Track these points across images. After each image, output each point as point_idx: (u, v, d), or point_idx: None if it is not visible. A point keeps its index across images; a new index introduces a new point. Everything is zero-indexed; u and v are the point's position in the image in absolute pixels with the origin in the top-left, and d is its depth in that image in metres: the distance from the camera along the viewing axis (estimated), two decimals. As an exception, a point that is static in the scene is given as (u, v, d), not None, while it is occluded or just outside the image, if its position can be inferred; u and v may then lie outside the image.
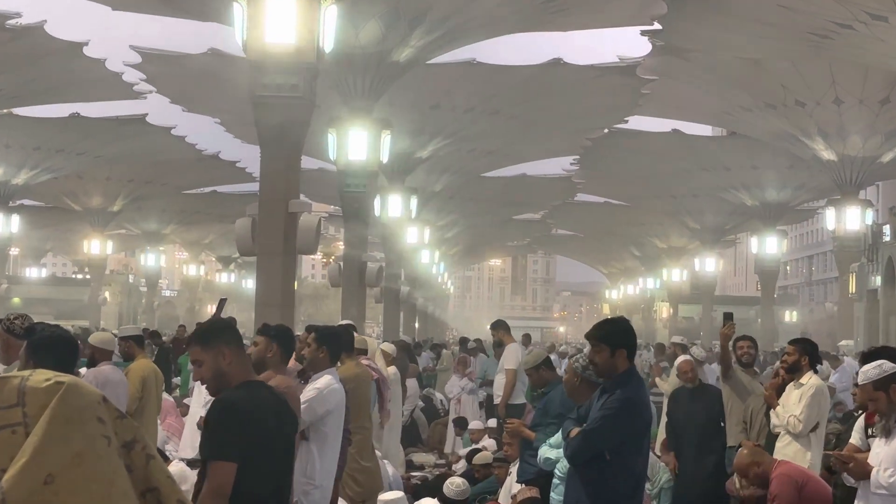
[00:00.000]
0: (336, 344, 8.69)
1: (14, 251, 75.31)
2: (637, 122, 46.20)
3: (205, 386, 5.39)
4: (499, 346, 18.10)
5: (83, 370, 11.42)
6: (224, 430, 4.88)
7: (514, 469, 10.39)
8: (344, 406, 8.49)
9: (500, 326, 17.42)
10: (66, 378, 3.55)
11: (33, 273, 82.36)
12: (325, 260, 75.08)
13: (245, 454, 4.84)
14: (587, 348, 7.42)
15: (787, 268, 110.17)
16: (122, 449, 3.56)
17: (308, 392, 8.15)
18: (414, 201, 39.24)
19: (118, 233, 75.21)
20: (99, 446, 3.43)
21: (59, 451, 3.39)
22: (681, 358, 13.81)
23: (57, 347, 5.50)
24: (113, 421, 3.51)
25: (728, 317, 11.42)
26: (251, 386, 5.14)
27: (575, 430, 6.73)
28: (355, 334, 11.87)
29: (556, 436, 7.76)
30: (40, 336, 5.70)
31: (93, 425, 3.47)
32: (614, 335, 6.75)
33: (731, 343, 11.83)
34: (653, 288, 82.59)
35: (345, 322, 14.96)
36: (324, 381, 8.31)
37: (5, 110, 45.57)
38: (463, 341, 31.41)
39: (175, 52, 37.94)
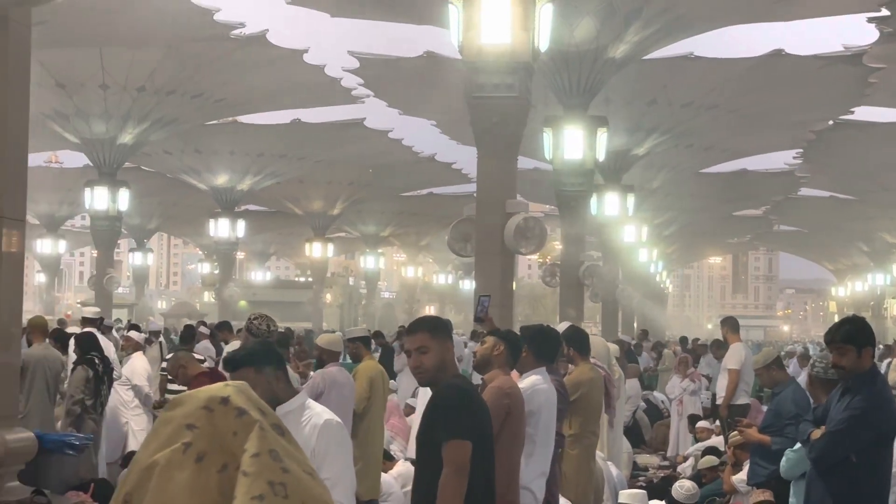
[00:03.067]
0: (540, 343, 8.49)
1: (240, 255, 77.97)
2: (864, 113, 44.63)
3: (419, 374, 5.44)
4: (719, 346, 17.75)
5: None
6: (459, 412, 5.08)
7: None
8: (553, 408, 8.28)
9: (727, 323, 17.09)
10: (183, 394, 3.57)
11: (258, 276, 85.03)
12: (541, 260, 75.02)
13: (475, 437, 5.01)
14: (820, 351, 7.18)
15: None
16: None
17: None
18: (631, 199, 38.87)
19: (338, 236, 76.94)
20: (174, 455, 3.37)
21: (141, 454, 3.42)
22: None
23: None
24: (231, 421, 3.41)
25: None
26: (464, 378, 5.37)
27: (817, 432, 6.51)
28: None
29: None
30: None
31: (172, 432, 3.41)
32: (859, 334, 6.55)
33: None
34: (883, 284, 79.69)
35: (552, 324, 14.85)
36: (529, 381, 8.17)
37: (230, 118, 47.24)
38: (683, 340, 30.93)
39: (391, 56, 38.57)
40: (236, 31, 34.60)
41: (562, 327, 12.44)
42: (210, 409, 3.38)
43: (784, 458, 7.76)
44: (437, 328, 5.38)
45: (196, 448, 3.32)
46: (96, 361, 13.04)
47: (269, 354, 5.33)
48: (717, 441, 16.03)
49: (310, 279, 74.86)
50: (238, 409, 3.39)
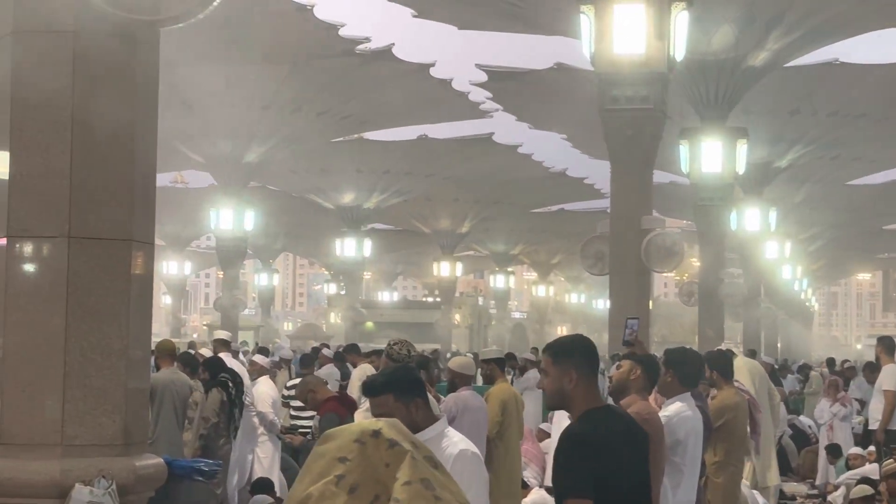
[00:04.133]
0: (685, 367, 8.33)
1: (366, 275, 78.63)
2: None
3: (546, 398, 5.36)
4: (871, 368, 17.35)
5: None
6: (576, 465, 4.83)
7: None
8: (700, 436, 8.16)
9: (882, 343, 16.71)
10: (335, 428, 3.60)
11: (385, 297, 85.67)
12: (678, 278, 74.23)
13: (599, 488, 4.80)
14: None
15: None
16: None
17: (656, 420, 7.96)
18: (773, 214, 38.38)
19: (467, 254, 77.16)
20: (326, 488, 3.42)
21: (296, 488, 3.47)
22: None
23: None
24: (383, 452, 3.45)
25: None
26: (598, 413, 5.06)
27: None
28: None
29: None
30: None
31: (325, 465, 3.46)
32: None
33: None
34: None
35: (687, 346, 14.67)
36: (674, 408, 8.05)
37: (356, 135, 47.74)
38: (830, 362, 30.31)
39: (520, 68, 38.62)
40: (362, 46, 35.01)
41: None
42: (362, 442, 3.45)
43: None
44: (560, 353, 5.18)
45: (349, 480, 3.41)
46: (230, 384, 13.25)
47: (409, 380, 5.32)
48: (870, 469, 15.63)
49: (438, 299, 75.15)
50: (390, 441, 3.46)
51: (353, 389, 15.58)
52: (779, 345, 54.68)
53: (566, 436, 4.93)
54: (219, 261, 45.19)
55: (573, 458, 4.85)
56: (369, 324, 63.72)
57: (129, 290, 6.70)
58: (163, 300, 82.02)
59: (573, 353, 5.16)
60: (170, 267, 67.48)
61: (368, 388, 5.36)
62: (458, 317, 73.32)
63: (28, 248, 6.64)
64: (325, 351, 22.48)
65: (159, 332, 64.76)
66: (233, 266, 42.52)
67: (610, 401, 8.36)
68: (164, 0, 6.20)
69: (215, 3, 6.21)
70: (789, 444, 21.23)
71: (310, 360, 18.36)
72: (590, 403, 5.09)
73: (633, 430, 5.14)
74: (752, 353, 25.19)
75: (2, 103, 6.86)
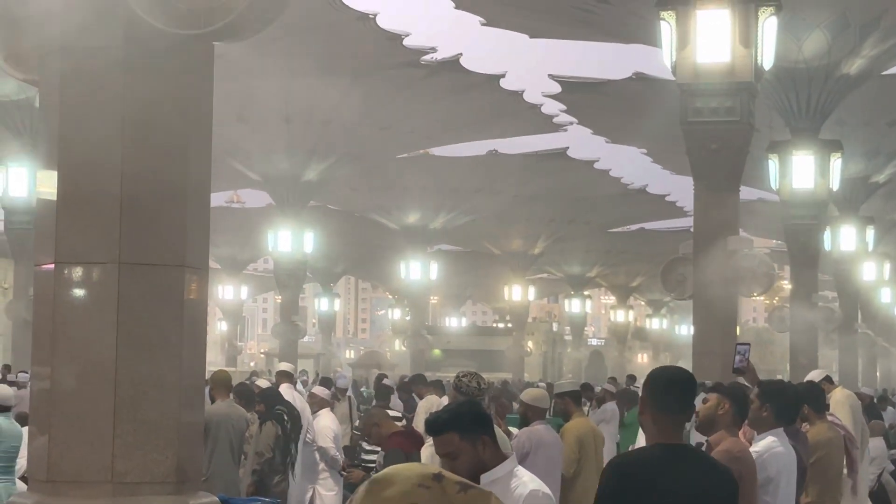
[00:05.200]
0: (782, 402, 8.25)
1: (433, 299, 78.74)
2: None
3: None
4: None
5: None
6: (611, 499, 4.73)
7: None
8: (793, 474, 8.08)
9: None
10: (384, 472, 3.59)
11: (452, 322, 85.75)
12: (767, 302, 73.75)
13: None
14: None
15: None
16: None
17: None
18: (870, 232, 37.97)
19: (540, 277, 77.03)
20: None
21: None
22: None
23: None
24: (454, 496, 3.44)
25: None
26: (665, 450, 4.91)
27: None
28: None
29: None
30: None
31: None
32: None
33: None
34: None
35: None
36: (765, 443, 7.97)
37: (421, 151, 47.89)
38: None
39: (596, 78, 38.57)
40: (427, 57, 35.11)
41: (815, 375, 12.10)
42: (426, 487, 3.44)
43: None
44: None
45: None
46: (285, 417, 13.30)
47: (474, 416, 5.27)
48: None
49: (509, 325, 75.09)
50: (460, 484, 3.45)
51: (420, 422, 15.58)
52: (877, 374, 54.00)
53: (609, 467, 4.85)
54: (277, 285, 45.47)
55: (610, 492, 4.73)
56: (436, 351, 63.82)
57: (182, 319, 6.76)
58: (218, 327, 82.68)
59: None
60: (225, 291, 68.05)
61: (431, 426, 5.32)
62: (530, 344, 73.17)
63: (77, 275, 6.72)
64: (384, 381, 22.36)
65: (214, 360, 65.37)
66: (292, 290, 42.74)
67: (697, 436, 8.29)
68: (219, 14, 6.24)
69: (274, 21, 6.27)
70: (889, 482, 20.93)
71: (385, 393, 18.04)
72: (665, 439, 4.96)
73: (710, 470, 4.95)
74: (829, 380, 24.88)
75: (49, 121, 6.95)
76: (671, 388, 5.08)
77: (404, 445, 9.86)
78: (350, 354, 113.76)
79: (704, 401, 7.46)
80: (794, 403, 8.46)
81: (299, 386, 22.71)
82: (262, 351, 75.35)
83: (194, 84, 6.95)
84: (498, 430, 5.80)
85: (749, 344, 11.47)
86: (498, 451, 5.26)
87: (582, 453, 11.37)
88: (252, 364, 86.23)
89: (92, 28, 6.62)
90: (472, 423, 5.19)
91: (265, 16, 6.49)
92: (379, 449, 10.92)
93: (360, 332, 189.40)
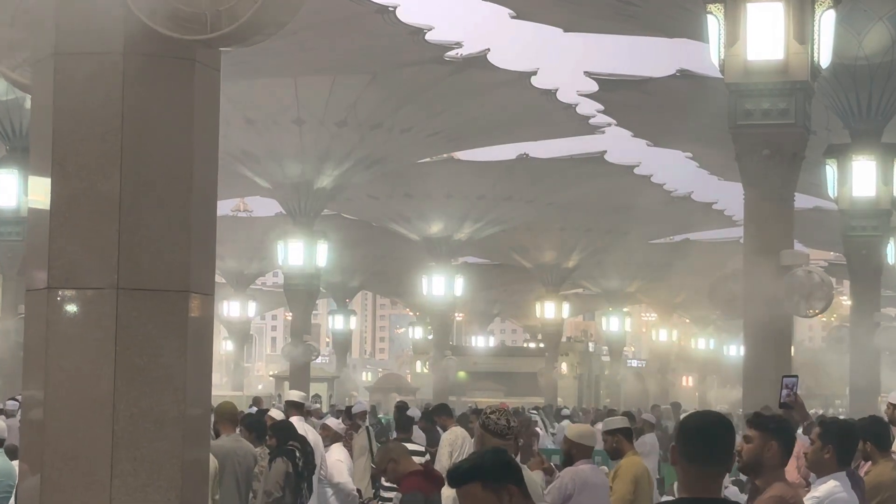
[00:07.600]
0: (846, 442, 8.16)
1: (458, 317, 78.68)
2: None
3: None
4: None
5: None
6: None
7: None
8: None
9: None
10: None
11: (479, 342, 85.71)
12: (825, 320, 73.40)
13: None
14: None
15: None
16: None
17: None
18: (939, 244, 37.79)
19: (575, 292, 76.96)
20: None
21: None
22: None
23: None
24: None
25: None
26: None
27: None
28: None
29: None
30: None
31: None
32: None
33: None
34: None
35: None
36: (825, 488, 7.86)
37: (445, 154, 47.92)
38: None
39: (637, 76, 38.56)
40: (452, 53, 35.12)
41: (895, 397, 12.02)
42: None
43: None
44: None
45: None
46: (297, 454, 13.30)
47: (499, 465, 5.24)
48: None
49: (541, 345, 75.06)
50: None
51: (443, 456, 15.55)
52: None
53: None
54: (287, 301, 45.56)
55: None
56: (461, 373, 63.72)
57: (186, 349, 6.76)
58: (223, 346, 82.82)
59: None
60: (231, 308, 68.10)
61: (452, 477, 5.30)
62: (564, 366, 73.06)
63: (71, 301, 6.72)
64: (408, 412, 22.10)
65: (219, 383, 65.42)
66: (303, 307, 42.82)
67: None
68: (226, 19, 6.25)
69: (286, 25, 6.29)
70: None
71: (407, 424, 17.86)
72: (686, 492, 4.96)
73: None
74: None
75: (41, 131, 6.97)
76: (702, 437, 5.07)
77: (423, 487, 9.74)
78: (367, 377, 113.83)
79: (745, 438, 7.39)
80: (855, 443, 8.40)
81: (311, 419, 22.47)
82: (270, 373, 75.37)
83: (199, 92, 6.95)
84: (527, 473, 5.78)
85: (797, 376, 11.44)
86: (526, 502, 5.25)
87: (637, 493, 11.22)
88: (259, 387, 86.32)
89: (86, 32, 6.64)
90: (497, 472, 5.17)
91: (277, 20, 6.50)
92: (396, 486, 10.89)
93: (377, 353, 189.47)
